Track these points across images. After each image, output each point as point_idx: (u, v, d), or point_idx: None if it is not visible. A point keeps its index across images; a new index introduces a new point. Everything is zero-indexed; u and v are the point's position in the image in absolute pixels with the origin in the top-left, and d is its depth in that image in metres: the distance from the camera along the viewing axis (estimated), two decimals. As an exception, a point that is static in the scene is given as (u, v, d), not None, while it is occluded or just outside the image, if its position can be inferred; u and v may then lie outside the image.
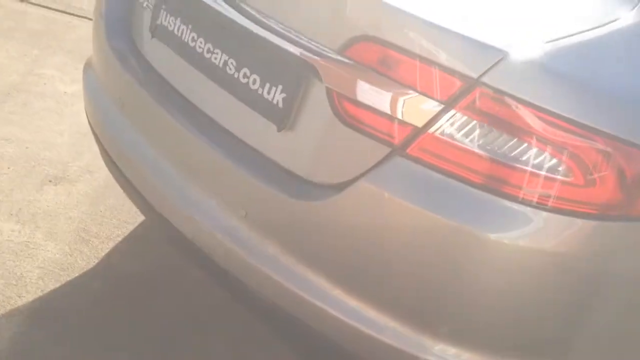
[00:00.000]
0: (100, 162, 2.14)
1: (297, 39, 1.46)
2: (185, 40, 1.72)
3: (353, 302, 1.40)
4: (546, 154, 1.27)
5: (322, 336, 1.47)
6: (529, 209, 1.28)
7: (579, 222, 1.29)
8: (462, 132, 1.30)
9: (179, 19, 1.75)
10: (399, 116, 1.35)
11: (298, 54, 1.45)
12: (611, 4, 1.41)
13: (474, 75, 1.28)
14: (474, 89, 1.28)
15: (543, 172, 1.27)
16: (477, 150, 1.29)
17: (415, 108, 1.34)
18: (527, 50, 1.28)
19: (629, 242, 1.34)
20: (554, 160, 1.27)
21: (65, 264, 2.30)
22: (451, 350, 1.37)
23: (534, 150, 1.27)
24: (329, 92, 1.42)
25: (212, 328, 2.17)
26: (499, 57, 1.27)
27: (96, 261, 2.35)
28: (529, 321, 1.36)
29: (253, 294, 1.56)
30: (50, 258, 2.31)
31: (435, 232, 1.32)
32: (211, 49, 1.66)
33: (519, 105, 1.26)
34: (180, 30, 1.74)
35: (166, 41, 1.80)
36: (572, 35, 1.33)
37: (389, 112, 1.36)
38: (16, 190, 2.59)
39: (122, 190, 1.99)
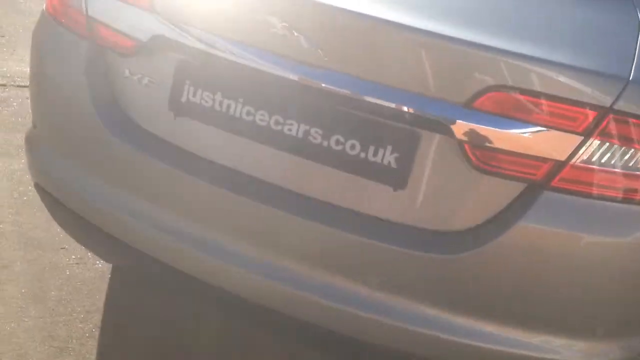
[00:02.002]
0: (10, 252, 1.84)
1: (406, 98, 1.44)
2: (237, 115, 1.57)
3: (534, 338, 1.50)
4: None
5: None
6: None
7: None
8: (601, 156, 1.42)
9: (218, 93, 1.59)
10: (539, 154, 1.43)
11: (417, 113, 1.44)
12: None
13: (606, 104, 1.40)
14: (608, 116, 1.41)
15: None
16: (619, 170, 1.43)
17: (554, 144, 1.42)
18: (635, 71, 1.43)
19: None
20: None
21: (61, 384, 2.00)
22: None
23: None
24: (460, 144, 1.44)
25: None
26: (624, 83, 1.40)
27: (90, 368, 2.08)
28: None
29: None
30: (41, 383, 1.99)
31: (601, 251, 1.45)
32: (281, 121, 1.55)
33: None
34: (224, 106, 1.58)
35: (203, 119, 1.62)
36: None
37: (527, 152, 1.43)
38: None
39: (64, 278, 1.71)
